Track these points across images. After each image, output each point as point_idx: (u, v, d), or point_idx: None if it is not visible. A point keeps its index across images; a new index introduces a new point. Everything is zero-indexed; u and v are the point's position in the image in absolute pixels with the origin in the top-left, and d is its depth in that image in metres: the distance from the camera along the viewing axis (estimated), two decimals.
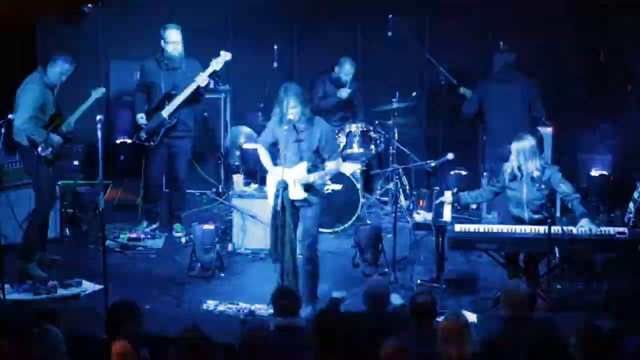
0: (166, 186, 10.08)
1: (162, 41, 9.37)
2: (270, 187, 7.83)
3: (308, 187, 7.68)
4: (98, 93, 8.75)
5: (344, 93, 10.28)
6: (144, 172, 9.74)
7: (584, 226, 7.67)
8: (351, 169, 7.40)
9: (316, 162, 7.70)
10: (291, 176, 7.62)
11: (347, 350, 5.60)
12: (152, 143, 9.40)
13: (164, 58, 9.38)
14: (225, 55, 9.45)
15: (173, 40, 9.31)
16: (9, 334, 5.48)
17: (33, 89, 8.31)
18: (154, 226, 9.60)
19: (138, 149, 9.76)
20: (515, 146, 7.87)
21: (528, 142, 7.83)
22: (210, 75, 9.39)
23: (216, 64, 9.45)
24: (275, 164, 7.83)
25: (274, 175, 7.75)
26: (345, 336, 5.65)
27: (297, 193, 7.65)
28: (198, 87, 9.31)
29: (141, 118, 9.38)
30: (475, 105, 9.57)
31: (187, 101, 9.35)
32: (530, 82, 9.56)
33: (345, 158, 9.76)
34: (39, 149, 8.35)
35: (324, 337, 5.64)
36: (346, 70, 10.35)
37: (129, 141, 10.68)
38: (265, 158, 7.91)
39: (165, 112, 9.32)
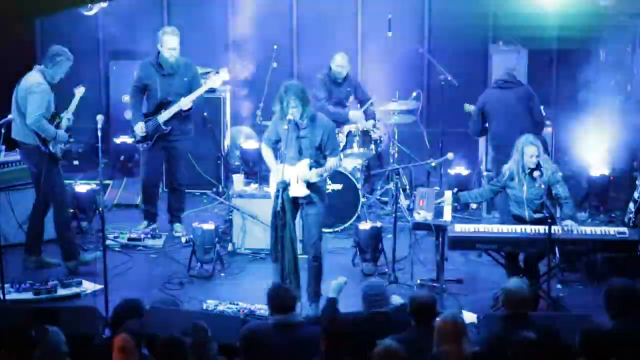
0: (165, 187, 10.07)
1: (158, 44, 9.26)
2: (272, 185, 7.83)
3: (310, 184, 7.68)
4: (81, 92, 8.68)
5: (356, 118, 10.19)
6: (140, 173, 9.74)
7: (567, 225, 7.70)
8: (352, 164, 7.33)
9: (318, 159, 7.70)
10: (293, 173, 7.62)
11: (352, 352, 5.61)
12: (145, 145, 9.37)
13: (159, 62, 9.27)
14: (223, 75, 9.43)
15: (171, 46, 9.18)
16: (10, 337, 5.49)
17: (42, 89, 8.32)
18: (154, 226, 9.59)
19: (137, 150, 9.74)
20: (529, 151, 7.87)
21: (537, 146, 7.88)
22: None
23: (213, 82, 9.43)
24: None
25: (277, 173, 7.76)
26: (352, 338, 5.67)
27: (299, 190, 7.65)
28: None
29: (137, 129, 9.26)
30: (479, 118, 9.47)
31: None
32: (527, 88, 9.53)
33: (346, 158, 9.75)
34: (50, 146, 8.39)
35: (331, 340, 5.64)
36: (337, 62, 10.23)
37: (129, 141, 10.68)
38: (268, 157, 7.92)
39: (161, 119, 9.26)
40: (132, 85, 9.49)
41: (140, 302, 6.22)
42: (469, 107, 9.92)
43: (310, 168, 7.64)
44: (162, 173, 9.75)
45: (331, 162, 7.68)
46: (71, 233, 8.75)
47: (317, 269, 7.85)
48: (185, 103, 9.23)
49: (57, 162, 8.52)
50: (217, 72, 9.55)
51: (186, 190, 9.95)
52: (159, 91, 9.27)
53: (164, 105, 9.26)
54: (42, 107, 8.30)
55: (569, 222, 7.77)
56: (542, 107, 9.50)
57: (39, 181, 8.55)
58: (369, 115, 10.33)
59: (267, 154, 7.94)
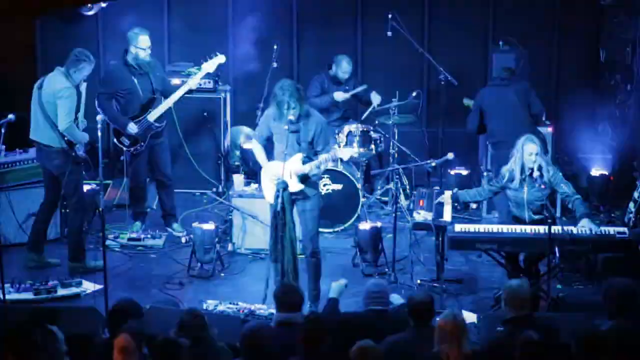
0: (156, 187, 9.96)
1: (131, 46, 9.20)
2: (265, 183, 7.84)
3: (304, 179, 7.67)
4: (83, 88, 8.67)
5: (340, 97, 10.25)
6: (127, 174, 9.67)
7: (584, 226, 7.69)
8: (348, 153, 7.34)
9: (310, 154, 7.68)
10: (287, 168, 7.60)
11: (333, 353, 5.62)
12: (137, 148, 9.34)
13: (133, 63, 9.20)
14: (218, 58, 9.44)
15: (146, 45, 9.19)
16: (10, 337, 5.49)
17: (70, 93, 8.37)
18: (144, 225, 9.56)
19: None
20: (529, 148, 7.87)
21: (537, 144, 7.89)
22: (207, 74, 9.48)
23: (208, 66, 9.43)
24: (269, 159, 7.84)
25: (269, 170, 7.76)
26: (332, 340, 5.67)
27: (293, 185, 7.64)
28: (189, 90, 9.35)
29: (131, 129, 9.17)
30: (477, 116, 9.51)
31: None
32: (524, 83, 9.60)
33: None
34: (75, 149, 8.47)
35: (308, 342, 5.65)
36: (343, 68, 10.31)
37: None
38: (259, 154, 7.89)
39: (152, 117, 9.24)
40: (101, 94, 9.31)
41: (136, 301, 6.21)
42: (468, 102, 9.95)
43: (304, 163, 7.64)
44: (150, 173, 9.71)
45: (324, 157, 7.63)
46: (82, 237, 8.77)
47: (315, 264, 7.85)
48: (194, 83, 9.32)
49: (80, 165, 8.59)
50: (211, 58, 9.51)
51: (186, 191, 9.93)
52: (141, 91, 9.25)
53: (150, 103, 9.27)
54: (72, 113, 8.37)
55: (584, 222, 7.73)
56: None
57: (53, 182, 8.56)
58: (362, 100, 10.48)
59: (258, 151, 7.91)
